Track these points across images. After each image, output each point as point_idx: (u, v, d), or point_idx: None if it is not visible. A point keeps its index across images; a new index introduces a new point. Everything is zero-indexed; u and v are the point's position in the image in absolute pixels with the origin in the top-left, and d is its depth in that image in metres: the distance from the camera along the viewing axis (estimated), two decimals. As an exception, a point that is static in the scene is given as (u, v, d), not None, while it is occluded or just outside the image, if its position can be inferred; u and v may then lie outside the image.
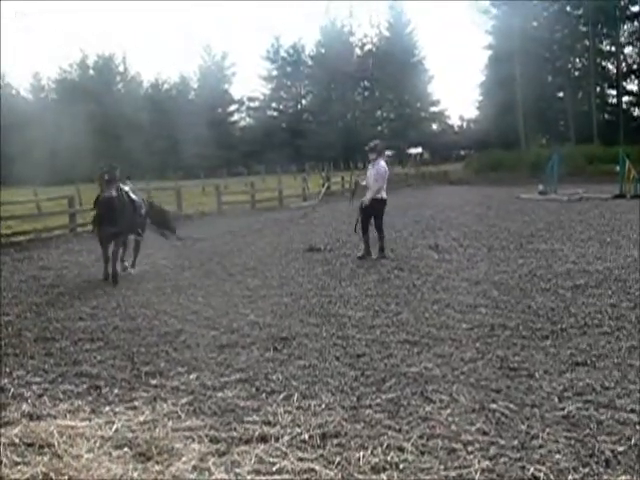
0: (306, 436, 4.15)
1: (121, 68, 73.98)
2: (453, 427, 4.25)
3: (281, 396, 4.92)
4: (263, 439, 4.16)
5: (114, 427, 4.39)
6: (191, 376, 5.48)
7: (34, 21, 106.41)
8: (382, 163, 11.68)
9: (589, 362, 5.51)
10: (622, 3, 59.34)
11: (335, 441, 4.10)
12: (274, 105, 78.23)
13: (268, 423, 4.40)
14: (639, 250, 11.29)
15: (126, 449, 4.05)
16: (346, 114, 73.68)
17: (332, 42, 71.87)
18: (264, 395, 4.97)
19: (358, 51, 76.32)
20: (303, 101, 78.68)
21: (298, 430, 4.25)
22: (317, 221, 18.92)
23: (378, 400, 4.79)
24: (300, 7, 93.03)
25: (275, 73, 77.20)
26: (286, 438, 4.14)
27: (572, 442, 4.01)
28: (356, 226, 11.94)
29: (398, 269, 10.38)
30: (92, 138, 49.38)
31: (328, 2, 77.44)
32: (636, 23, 61.80)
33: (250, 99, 77.93)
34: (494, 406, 4.59)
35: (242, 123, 79.17)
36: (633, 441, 3.99)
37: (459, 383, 5.09)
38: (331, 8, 75.18)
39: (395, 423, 4.35)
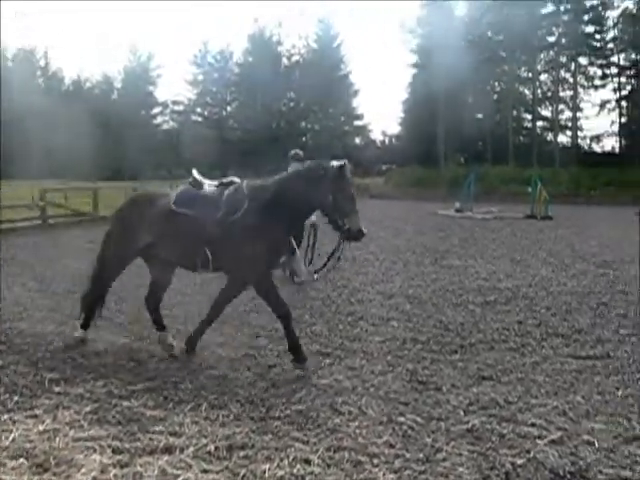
0: (212, 447, 4.09)
1: (42, 62, 71.72)
2: (360, 439, 4.28)
3: (189, 406, 4.83)
4: (168, 450, 4.07)
5: (11, 436, 4.20)
6: (97, 383, 5.32)
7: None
8: None
9: (494, 377, 5.66)
10: (539, 33, 61.88)
11: (241, 453, 4.06)
12: (199, 110, 77.40)
13: (174, 434, 4.32)
14: (547, 269, 11.75)
15: (22, 460, 3.88)
16: (271, 123, 73.63)
17: (260, 51, 71.76)
18: (172, 405, 4.87)
19: (285, 61, 76.40)
20: (229, 108, 78.15)
21: (204, 441, 4.19)
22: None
23: (287, 411, 4.77)
24: (229, 13, 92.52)
25: (201, 78, 76.43)
26: (191, 449, 4.07)
27: (475, 455, 4.11)
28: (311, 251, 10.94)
29: (314, 280, 10.40)
30: (5, 133, 47.57)
31: (258, 9, 77.43)
32: (552, 53, 64.59)
33: (175, 102, 76.90)
34: (402, 419, 4.65)
35: (165, 126, 78.01)
36: (532, 454, 4.12)
37: (368, 395, 5.14)
38: (260, 17, 75.02)
39: (303, 435, 4.35)
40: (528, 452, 4.16)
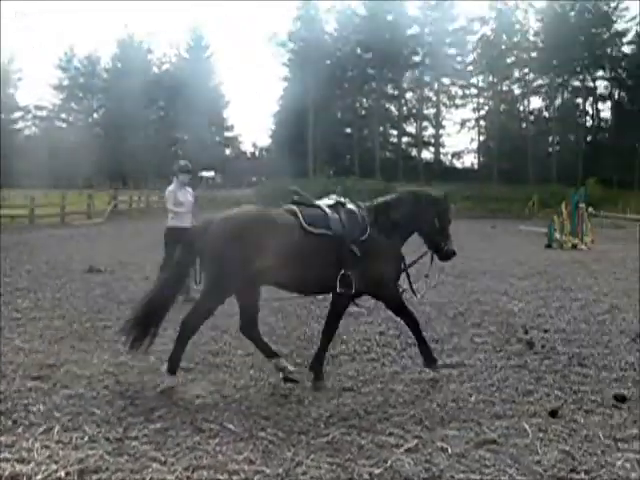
0: (62, 473, 3.89)
1: None
2: (220, 457, 4.22)
3: (40, 429, 4.57)
4: (13, 479, 3.83)
5: None
6: None
7: None
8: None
9: (355, 388, 5.77)
10: (405, 52, 64.55)
11: (94, 477, 3.88)
12: (64, 116, 74.42)
13: (22, 460, 4.06)
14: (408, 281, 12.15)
15: None
16: (139, 132, 71.91)
17: (129, 57, 70.06)
18: (21, 429, 4.59)
19: (156, 69, 75.02)
20: (95, 115, 75.61)
21: (54, 467, 3.97)
22: (102, 240, 18.12)
23: (146, 431, 4.63)
24: (97, 18, 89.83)
25: (66, 83, 73.56)
26: (39, 477, 3.85)
27: (334, 467, 4.16)
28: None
29: (184, 293, 10.19)
30: None
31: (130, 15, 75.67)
32: (417, 72, 67.49)
33: (37, 107, 73.53)
34: (263, 434, 4.63)
35: (27, 132, 74.34)
36: (389, 463, 4.22)
37: (230, 411, 5.08)
38: (130, 23, 73.41)
39: (161, 455, 4.22)
40: (385, 461, 4.25)
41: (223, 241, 5.51)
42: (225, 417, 4.93)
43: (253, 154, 76.42)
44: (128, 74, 67.20)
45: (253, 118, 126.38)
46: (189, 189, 10.54)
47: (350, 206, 6.00)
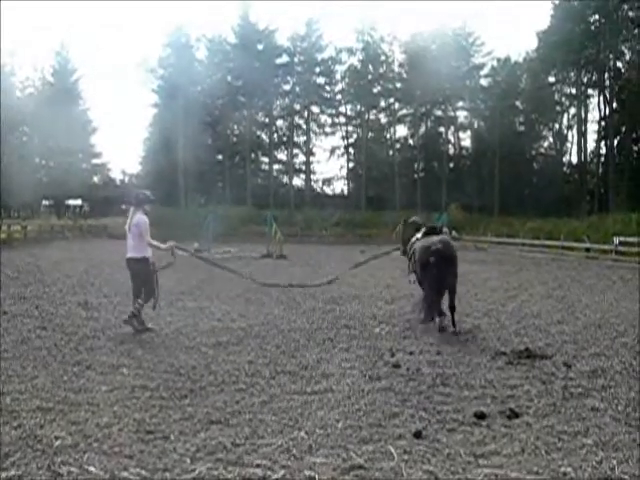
0: None
1: None
2: (77, 502, 4.01)
3: None
4: None
5: None
6: None
7: None
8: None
9: (223, 420, 5.66)
10: (276, 81, 65.49)
11: None
12: None
13: None
14: (279, 307, 12.21)
15: None
16: (1, 158, 68.07)
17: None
18: None
19: (19, 93, 71.52)
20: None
21: None
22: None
23: (-2, 479, 4.33)
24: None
25: None
26: None
27: (198, 504, 4.05)
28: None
29: (41, 328, 9.70)
30: None
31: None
32: (287, 100, 68.54)
33: None
34: (125, 474, 4.45)
35: None
36: (256, 496, 4.17)
37: (91, 451, 4.84)
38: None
39: (12, 504, 3.96)
40: (253, 495, 4.20)
41: (455, 255, 10.19)
42: (86, 459, 4.69)
43: (122, 181, 74.34)
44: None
45: (122, 145, 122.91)
46: None
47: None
